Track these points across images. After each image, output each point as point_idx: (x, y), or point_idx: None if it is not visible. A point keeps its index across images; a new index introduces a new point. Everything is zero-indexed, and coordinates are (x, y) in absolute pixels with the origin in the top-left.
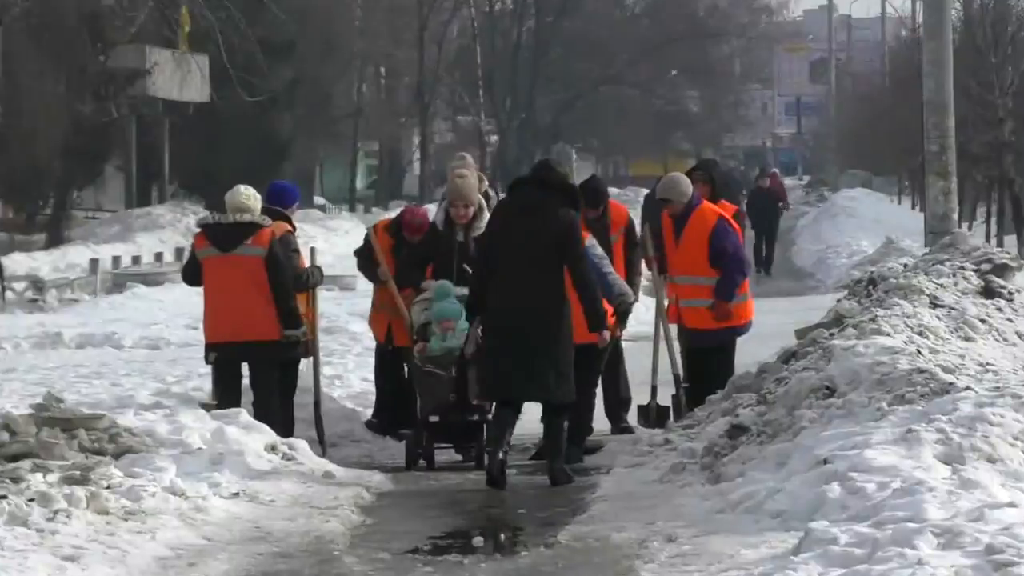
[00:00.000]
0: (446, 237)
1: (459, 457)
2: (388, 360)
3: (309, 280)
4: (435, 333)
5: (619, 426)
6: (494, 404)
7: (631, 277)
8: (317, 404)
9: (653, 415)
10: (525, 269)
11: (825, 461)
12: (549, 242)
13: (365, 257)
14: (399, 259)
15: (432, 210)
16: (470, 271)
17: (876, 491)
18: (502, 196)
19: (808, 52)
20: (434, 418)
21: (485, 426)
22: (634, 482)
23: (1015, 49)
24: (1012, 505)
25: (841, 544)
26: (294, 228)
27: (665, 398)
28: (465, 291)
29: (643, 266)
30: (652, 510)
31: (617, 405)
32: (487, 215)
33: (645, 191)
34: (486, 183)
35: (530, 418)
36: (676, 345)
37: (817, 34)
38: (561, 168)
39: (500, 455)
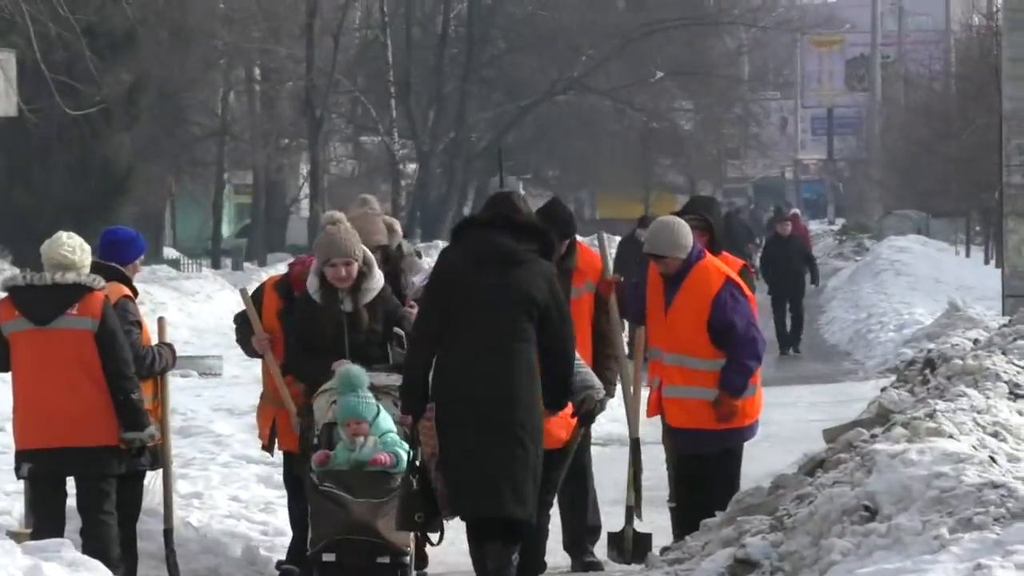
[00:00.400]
0: (328, 310)
1: None
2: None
3: (156, 363)
4: (341, 439)
5: (583, 560)
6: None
7: (603, 358)
8: (169, 532)
9: (629, 544)
10: (490, 340)
11: None
12: (524, 305)
13: (242, 321)
14: (286, 341)
15: None
16: (396, 347)
17: None
18: (421, 249)
19: (844, 46)
20: (329, 557)
21: (403, 569)
22: None
23: None
24: None
25: None
26: (135, 292)
27: (646, 523)
28: (383, 377)
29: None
30: None
31: (582, 533)
32: (378, 275)
33: (618, 238)
34: (399, 234)
35: (453, 550)
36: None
37: (857, 22)
38: (526, 205)
39: None
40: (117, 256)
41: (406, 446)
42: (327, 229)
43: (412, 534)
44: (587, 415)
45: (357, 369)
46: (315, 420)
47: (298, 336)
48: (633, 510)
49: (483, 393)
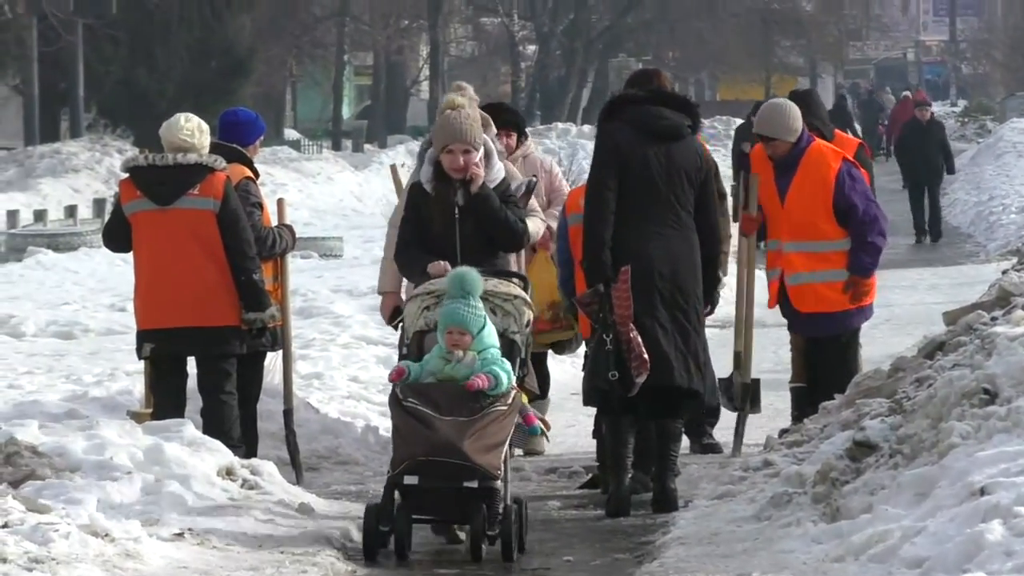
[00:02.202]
0: (440, 201)
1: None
2: None
3: (277, 244)
4: (437, 346)
5: (702, 443)
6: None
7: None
8: (288, 413)
9: (738, 391)
10: (661, 211)
11: (983, 491)
12: (687, 177)
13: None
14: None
15: None
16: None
17: None
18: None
19: None
20: (411, 480)
21: (492, 495)
22: (721, 519)
23: None
24: None
25: None
26: (256, 173)
27: (765, 405)
28: (492, 283)
29: (730, 228)
30: (746, 557)
31: (700, 416)
32: (498, 166)
33: (738, 121)
34: (492, 129)
35: (572, 432)
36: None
37: None
38: (671, 81)
39: (628, 480)
40: (237, 137)
41: (507, 365)
42: (446, 114)
43: (505, 455)
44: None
45: (473, 274)
46: (405, 328)
47: (404, 229)
48: (741, 356)
49: (664, 265)
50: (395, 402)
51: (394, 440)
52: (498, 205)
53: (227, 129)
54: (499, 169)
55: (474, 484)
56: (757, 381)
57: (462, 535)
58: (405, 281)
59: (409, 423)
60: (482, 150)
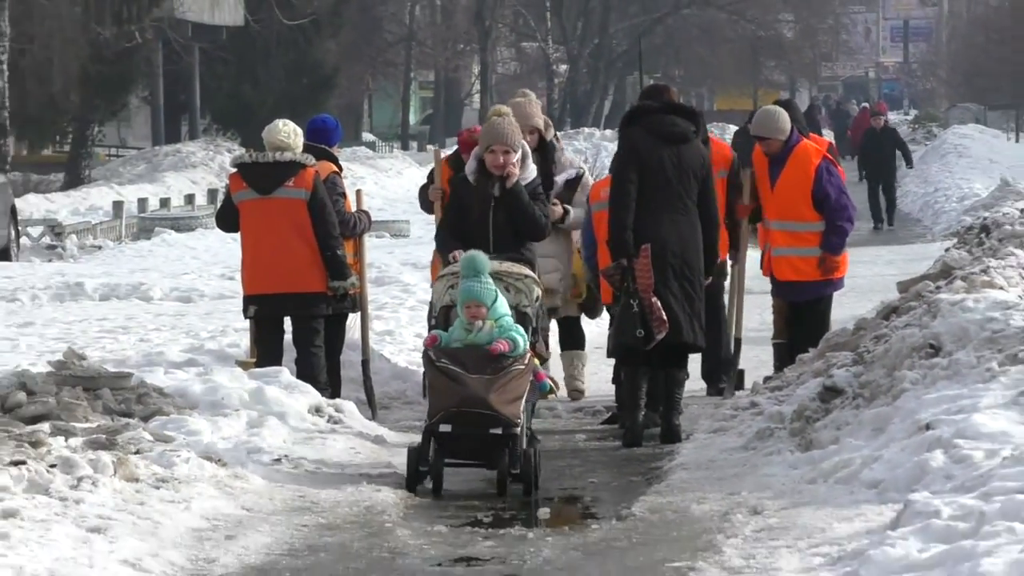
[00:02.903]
0: (480, 192)
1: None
2: None
3: (356, 226)
4: (460, 319)
5: (717, 387)
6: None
7: (734, 227)
8: (366, 362)
9: (732, 373)
10: (672, 200)
11: (928, 427)
12: (692, 174)
13: (423, 187)
14: (440, 221)
15: None
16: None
17: (984, 459)
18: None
19: None
20: (445, 428)
21: (514, 440)
22: (716, 449)
23: None
24: None
25: (944, 518)
26: (340, 168)
27: (748, 359)
28: (505, 266)
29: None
30: (736, 480)
31: (718, 365)
32: (532, 167)
33: (734, 128)
34: (552, 131)
35: (596, 378)
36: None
37: None
38: (678, 94)
39: (641, 417)
40: (323, 139)
41: (521, 330)
42: (492, 119)
43: (523, 406)
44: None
45: (482, 256)
46: (433, 303)
47: (447, 215)
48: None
49: (675, 245)
50: (429, 362)
51: (429, 395)
52: (527, 200)
53: (313, 133)
54: (532, 170)
55: (499, 431)
56: (743, 371)
57: None
58: None
59: (442, 380)
60: (520, 152)
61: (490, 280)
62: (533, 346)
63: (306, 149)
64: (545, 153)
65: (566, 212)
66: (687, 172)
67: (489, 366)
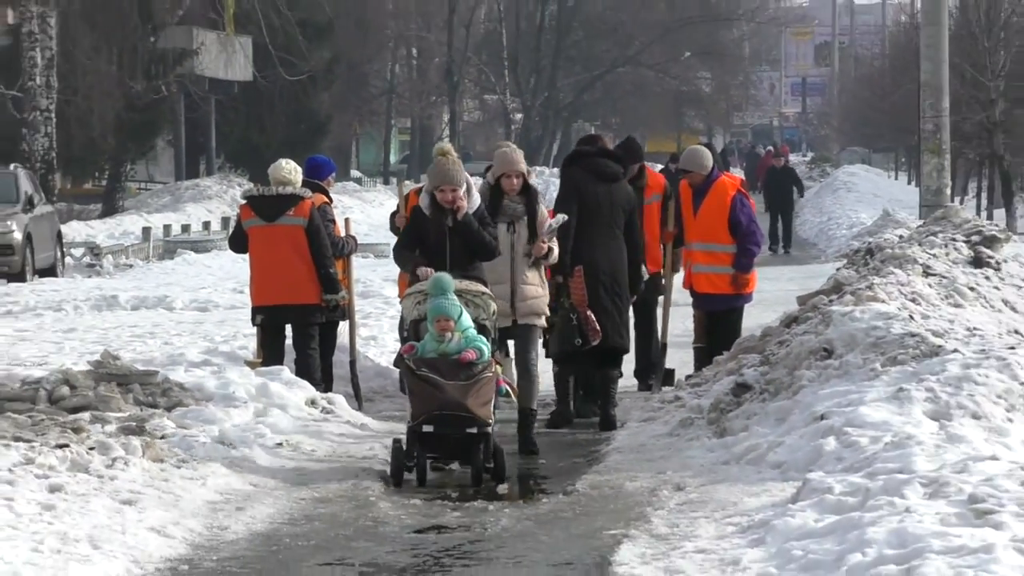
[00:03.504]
0: (435, 224)
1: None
2: None
3: (344, 248)
4: (430, 332)
5: (647, 383)
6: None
7: (665, 255)
8: (353, 362)
9: (660, 373)
10: (605, 230)
11: (822, 417)
12: (621, 207)
13: (392, 214)
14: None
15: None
16: (488, 233)
17: (869, 444)
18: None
19: (813, 36)
20: (428, 428)
21: (487, 438)
22: (646, 435)
23: (1007, 34)
24: (994, 458)
25: (836, 493)
26: (330, 200)
27: (673, 360)
28: (465, 284)
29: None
30: (662, 461)
31: (647, 366)
32: (476, 195)
33: (659, 166)
34: (533, 176)
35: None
36: (667, 315)
37: (822, 19)
38: (609, 141)
39: (570, 404)
40: (317, 175)
41: (484, 339)
42: (438, 160)
43: (492, 408)
44: (634, 290)
45: (448, 277)
46: (404, 318)
47: (403, 237)
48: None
49: (605, 266)
50: (410, 371)
51: (411, 399)
52: (476, 228)
53: (310, 170)
54: (476, 199)
55: (475, 430)
56: (671, 371)
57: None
58: None
59: (423, 387)
60: (464, 186)
61: (455, 297)
62: (493, 354)
63: (304, 184)
64: (529, 193)
65: (550, 250)
66: (617, 206)
67: (462, 373)
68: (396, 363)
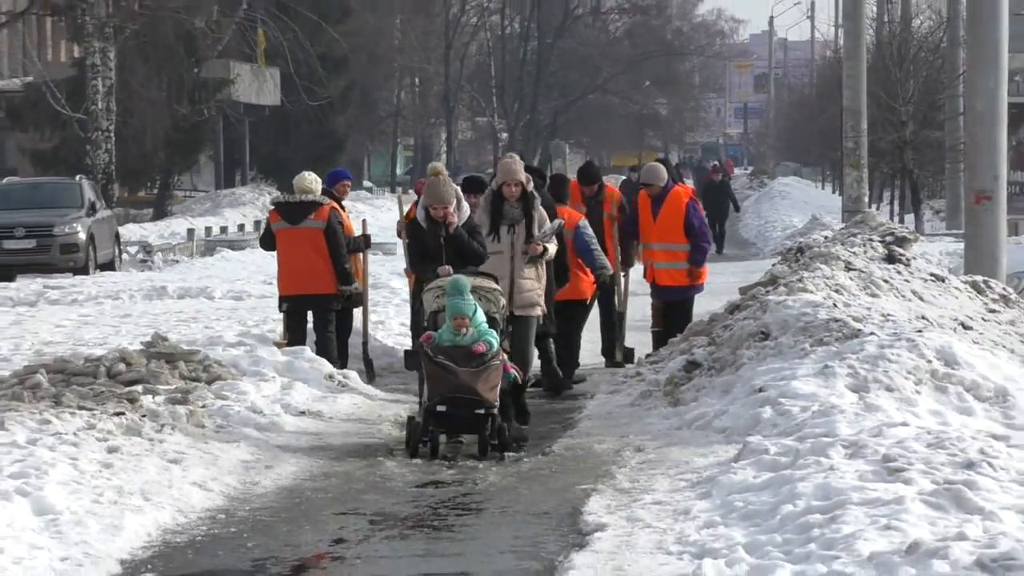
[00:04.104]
0: (431, 235)
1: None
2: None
3: (357, 245)
4: (447, 325)
5: (613, 361)
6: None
7: (627, 246)
8: (365, 343)
9: (623, 352)
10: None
11: (760, 390)
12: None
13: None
14: (408, 245)
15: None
16: (476, 241)
17: (799, 413)
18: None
19: (753, 68)
20: (441, 408)
21: (493, 418)
22: (612, 405)
23: (915, 67)
24: (904, 424)
25: (771, 454)
26: (341, 205)
27: (633, 341)
28: (479, 281)
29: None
30: (625, 427)
31: (612, 344)
32: (465, 207)
33: (623, 178)
34: (531, 183)
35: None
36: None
37: (760, 53)
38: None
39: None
40: (337, 183)
41: (494, 333)
42: (431, 180)
43: (498, 392)
44: (600, 283)
45: (464, 279)
46: (424, 308)
47: (411, 246)
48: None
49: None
50: (427, 358)
51: (428, 382)
52: (467, 238)
53: (328, 180)
54: (466, 210)
55: (482, 411)
56: (631, 350)
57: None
58: None
59: (438, 372)
60: (454, 202)
61: (471, 298)
62: (501, 344)
63: (323, 193)
64: (527, 199)
65: (545, 250)
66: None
67: (473, 361)
68: (412, 351)
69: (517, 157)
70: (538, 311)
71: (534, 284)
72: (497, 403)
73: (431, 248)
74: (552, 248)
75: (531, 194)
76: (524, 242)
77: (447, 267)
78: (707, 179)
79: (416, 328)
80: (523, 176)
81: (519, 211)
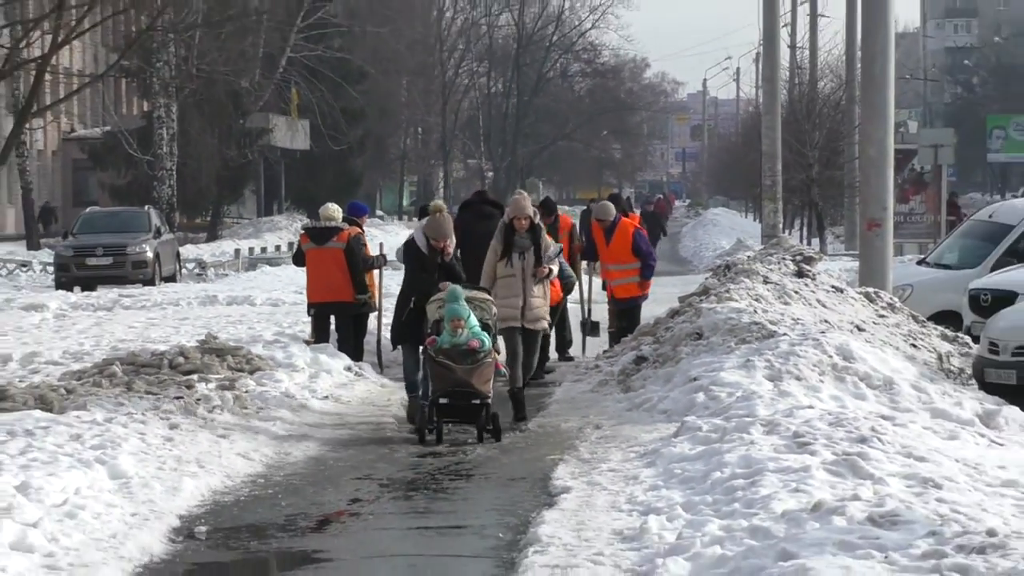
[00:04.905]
0: (430, 258)
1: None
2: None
3: (374, 263)
4: (447, 329)
5: (565, 356)
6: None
7: (575, 263)
8: (379, 341)
9: (588, 326)
10: (485, 252)
11: (695, 379)
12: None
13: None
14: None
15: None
16: (459, 263)
17: (726, 398)
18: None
19: (690, 120)
20: (444, 400)
21: (487, 407)
22: (575, 391)
23: (820, 120)
24: (811, 407)
25: (703, 431)
26: (363, 231)
27: (594, 342)
28: (473, 293)
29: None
30: (586, 409)
31: (564, 344)
32: (453, 240)
33: (584, 208)
34: (539, 216)
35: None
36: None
37: (696, 109)
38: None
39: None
40: (354, 213)
41: (487, 334)
42: (435, 216)
43: (491, 385)
44: (568, 289)
45: (460, 289)
46: (428, 317)
47: (411, 268)
48: (588, 313)
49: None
50: (430, 358)
51: (432, 379)
52: (458, 268)
53: (351, 208)
54: (451, 242)
55: (478, 401)
56: (598, 323)
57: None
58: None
59: (440, 370)
60: (452, 236)
61: (465, 303)
62: (493, 345)
63: (345, 220)
64: (535, 230)
65: (550, 271)
66: (491, 234)
67: (469, 358)
68: (395, 329)
69: (526, 195)
70: (544, 324)
71: (541, 302)
72: (491, 395)
73: (428, 267)
74: (556, 269)
75: (538, 225)
76: (533, 265)
77: (447, 283)
78: (643, 210)
79: (399, 310)
80: (531, 211)
81: (528, 240)
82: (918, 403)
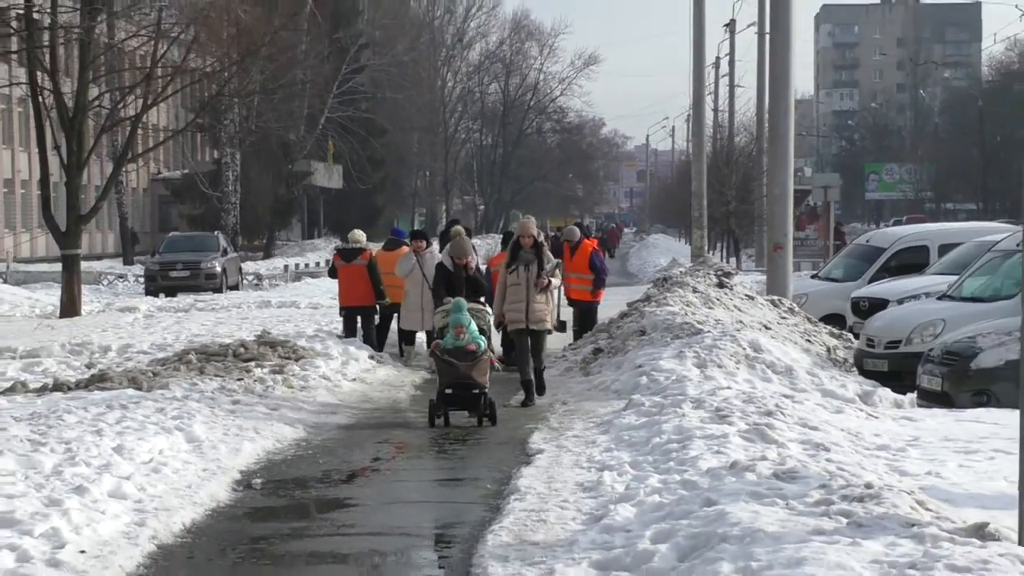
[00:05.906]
0: (455, 274)
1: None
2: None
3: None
4: (450, 334)
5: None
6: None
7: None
8: (400, 338)
9: (557, 324)
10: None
11: (639, 366)
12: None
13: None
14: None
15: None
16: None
17: (664, 381)
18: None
19: (636, 165)
20: (449, 391)
21: (485, 396)
22: (546, 376)
23: (736, 166)
24: (729, 388)
25: (646, 406)
26: (410, 247)
27: (560, 338)
28: (472, 305)
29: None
30: (555, 389)
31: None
32: (475, 258)
33: (553, 234)
34: (542, 235)
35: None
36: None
37: (641, 157)
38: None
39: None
40: (398, 235)
41: (484, 338)
42: (457, 239)
43: (488, 377)
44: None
45: (463, 301)
46: (435, 324)
47: (437, 282)
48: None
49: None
50: (437, 357)
51: (439, 374)
52: (481, 280)
53: (394, 233)
54: (474, 258)
55: (478, 391)
56: (565, 321)
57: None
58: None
59: (446, 366)
60: (472, 253)
61: (467, 313)
62: (489, 346)
63: (390, 243)
64: (537, 247)
65: (550, 282)
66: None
67: (470, 357)
68: (430, 352)
69: (532, 219)
70: (547, 325)
71: (543, 306)
72: (488, 386)
73: (454, 281)
74: (556, 281)
75: (541, 243)
76: (536, 277)
77: (449, 298)
78: (613, 234)
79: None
80: (535, 231)
81: (532, 255)
82: (812, 385)
